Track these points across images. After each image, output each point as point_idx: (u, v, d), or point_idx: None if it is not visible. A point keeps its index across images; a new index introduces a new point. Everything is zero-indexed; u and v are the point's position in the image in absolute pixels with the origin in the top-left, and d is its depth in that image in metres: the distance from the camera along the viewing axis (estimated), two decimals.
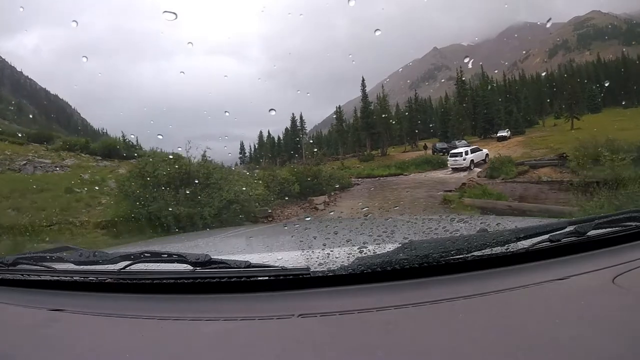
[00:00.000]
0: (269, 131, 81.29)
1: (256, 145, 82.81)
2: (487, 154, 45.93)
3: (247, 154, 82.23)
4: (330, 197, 30.25)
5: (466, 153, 45.49)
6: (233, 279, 1.73)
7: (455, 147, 52.05)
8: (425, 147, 60.19)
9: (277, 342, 1.37)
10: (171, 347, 1.43)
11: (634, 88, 62.29)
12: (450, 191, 29.23)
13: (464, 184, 30.91)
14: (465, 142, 55.65)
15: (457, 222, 2.71)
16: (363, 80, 65.23)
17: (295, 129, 75.87)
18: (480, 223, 2.43)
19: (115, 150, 41.50)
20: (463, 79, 69.63)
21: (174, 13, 6.47)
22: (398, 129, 68.79)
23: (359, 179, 44.93)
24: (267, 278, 1.72)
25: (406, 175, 46.70)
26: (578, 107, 58.16)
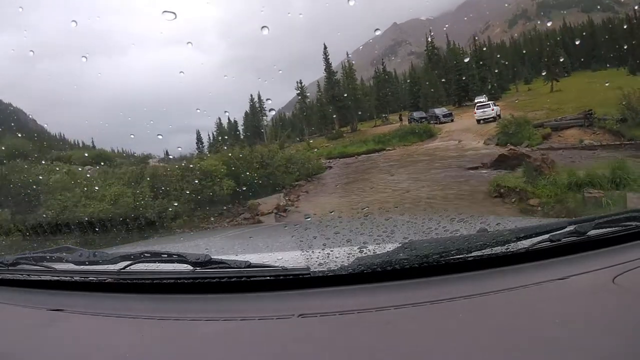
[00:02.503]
0: (228, 117, 74.05)
1: (215, 134, 73.38)
2: (500, 110, 43.41)
3: (207, 143, 74.26)
4: (289, 196, 21.31)
5: (491, 104, 43.90)
6: (233, 279, 1.73)
7: (435, 115, 50.82)
8: (400, 119, 56.67)
9: (277, 342, 1.38)
10: (171, 347, 1.43)
11: (600, 52, 62.92)
12: (475, 168, 21.48)
13: (504, 155, 20.79)
14: (445, 110, 53.80)
15: (457, 222, 2.71)
16: (325, 48, 60.76)
17: (254, 112, 70.35)
18: (480, 223, 2.41)
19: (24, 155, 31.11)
20: (434, 44, 67.90)
21: (174, 13, 6.40)
22: (367, 100, 64.76)
23: (331, 160, 36.86)
24: (267, 278, 1.73)
25: (390, 149, 39.08)
26: (558, 69, 57.51)
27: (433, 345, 1.26)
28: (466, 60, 66.32)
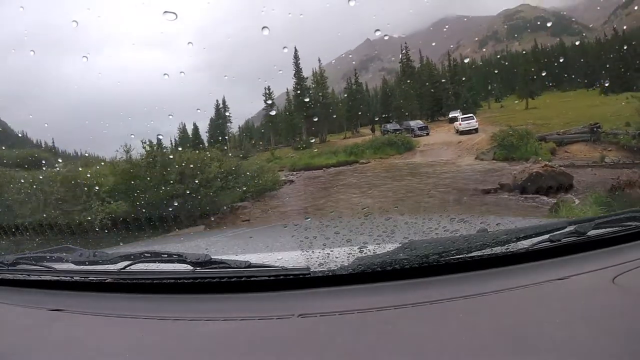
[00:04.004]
0: (194, 124, 71.57)
1: (177, 139, 70.87)
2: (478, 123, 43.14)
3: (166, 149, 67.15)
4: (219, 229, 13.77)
5: (474, 117, 44.05)
6: (233, 279, 1.73)
7: (410, 128, 48.96)
8: (373, 130, 55.10)
9: (277, 342, 1.38)
10: (171, 347, 1.43)
11: (570, 73, 63.84)
12: (492, 191, 16.80)
13: (539, 175, 15.78)
14: (421, 122, 52.01)
15: (457, 222, 2.71)
16: (296, 51, 55.13)
17: (220, 118, 62.67)
18: (480, 223, 2.40)
19: None
20: (409, 56, 65.67)
21: (174, 13, 6.36)
22: (338, 109, 60.47)
23: (295, 173, 32.56)
24: (267, 278, 1.73)
25: (364, 162, 34.80)
26: (534, 86, 57.42)
27: (433, 345, 1.26)
28: (438, 74, 65.51)
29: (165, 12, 6.25)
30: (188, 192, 14.25)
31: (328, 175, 30.07)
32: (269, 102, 57.39)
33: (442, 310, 1.46)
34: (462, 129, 42.62)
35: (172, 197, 13.50)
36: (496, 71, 74.47)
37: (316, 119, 55.59)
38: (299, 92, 56.42)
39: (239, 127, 65.06)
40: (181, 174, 15.10)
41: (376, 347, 1.26)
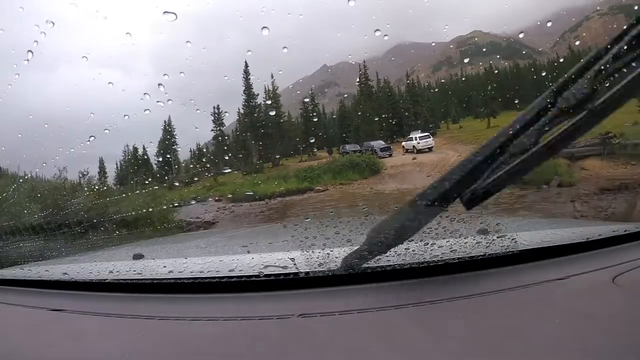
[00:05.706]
0: (143, 146, 61.52)
1: (122, 164, 60.22)
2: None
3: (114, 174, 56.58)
4: None
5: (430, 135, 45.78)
6: (233, 279, 1.73)
7: (372, 149, 45.86)
8: (330, 152, 53.17)
9: (277, 342, 1.38)
10: (171, 347, 1.43)
11: (522, 93, 65.41)
12: None
13: None
14: (383, 143, 49.37)
15: (457, 222, 2.74)
16: (247, 66, 52.14)
17: (167, 139, 58.59)
18: (480, 223, 2.36)
19: None
20: (367, 76, 64.04)
21: (174, 13, 6.24)
22: (293, 130, 58.28)
23: (226, 207, 25.46)
24: (267, 278, 1.73)
25: (321, 190, 28.55)
26: (495, 105, 57.99)
27: (433, 345, 1.27)
28: (396, 96, 65.19)
29: (165, 12, 6.16)
30: None
31: (269, 210, 23.10)
32: (219, 122, 54.47)
33: (442, 310, 1.46)
34: (420, 147, 43.94)
35: None
36: (451, 93, 75.75)
37: (268, 140, 53.24)
38: (248, 109, 53.57)
39: (191, 151, 62.64)
40: None
41: (376, 347, 1.27)
